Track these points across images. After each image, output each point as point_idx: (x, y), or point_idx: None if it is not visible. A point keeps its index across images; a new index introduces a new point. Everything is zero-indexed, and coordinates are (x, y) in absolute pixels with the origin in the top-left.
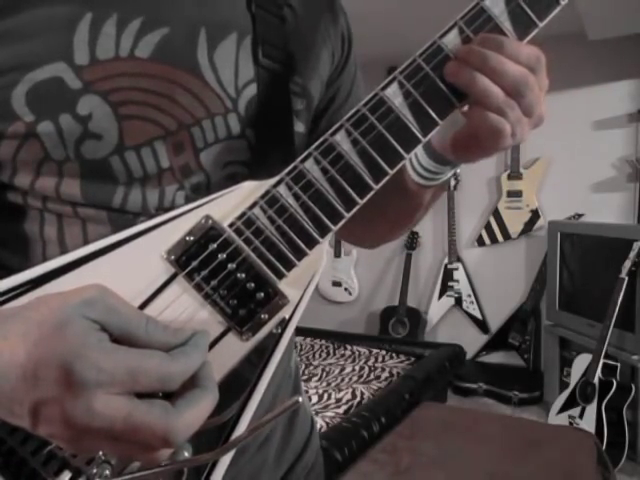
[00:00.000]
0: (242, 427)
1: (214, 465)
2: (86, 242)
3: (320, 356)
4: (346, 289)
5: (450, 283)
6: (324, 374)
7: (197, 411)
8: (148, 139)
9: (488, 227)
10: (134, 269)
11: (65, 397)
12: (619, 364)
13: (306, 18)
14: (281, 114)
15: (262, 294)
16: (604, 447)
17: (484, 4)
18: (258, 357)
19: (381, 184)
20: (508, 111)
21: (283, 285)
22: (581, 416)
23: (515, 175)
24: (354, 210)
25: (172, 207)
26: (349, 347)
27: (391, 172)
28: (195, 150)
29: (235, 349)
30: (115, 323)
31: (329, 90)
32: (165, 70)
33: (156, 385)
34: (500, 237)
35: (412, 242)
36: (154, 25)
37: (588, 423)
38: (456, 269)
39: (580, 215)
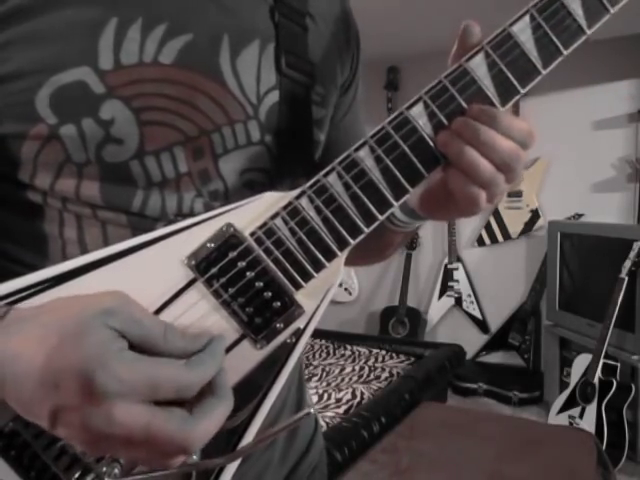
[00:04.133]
0: (252, 433)
1: (221, 470)
2: (106, 243)
3: (320, 356)
4: (346, 289)
5: (450, 283)
6: (324, 374)
7: (213, 419)
8: (168, 144)
9: (488, 227)
10: (154, 272)
11: (85, 406)
12: (619, 364)
13: (325, 29)
14: (302, 123)
15: (279, 303)
16: (604, 447)
17: (467, 65)
18: (271, 365)
19: (400, 201)
20: (493, 187)
21: (300, 296)
22: (581, 416)
23: None
24: (374, 226)
25: (190, 213)
26: (349, 347)
27: (411, 190)
28: (214, 156)
29: (249, 356)
30: (135, 332)
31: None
32: (188, 76)
33: (174, 394)
34: (500, 237)
35: (412, 242)
36: (178, 31)
37: (588, 423)
38: (456, 269)
39: (580, 215)
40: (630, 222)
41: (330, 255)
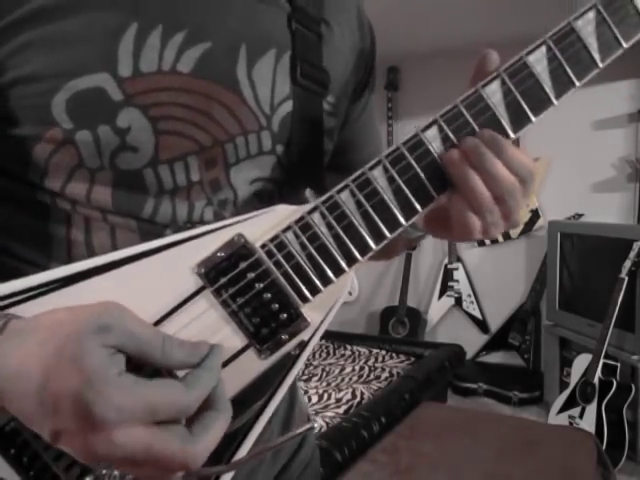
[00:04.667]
0: (251, 440)
1: (219, 476)
2: (114, 247)
3: (320, 356)
4: None
5: (450, 283)
6: (324, 374)
7: (213, 434)
8: (182, 154)
9: None
10: (163, 278)
11: (85, 431)
12: (619, 364)
13: (339, 33)
14: (313, 133)
15: (285, 315)
16: (604, 447)
17: (483, 92)
18: (274, 375)
19: (411, 221)
20: (487, 215)
21: (306, 309)
22: (581, 416)
23: None
24: (382, 244)
25: (201, 221)
26: (349, 347)
27: (421, 211)
28: (226, 166)
29: (252, 366)
30: (132, 347)
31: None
32: (205, 86)
33: (174, 415)
34: (500, 237)
35: None
36: (197, 39)
37: (588, 423)
38: (456, 269)
39: (580, 215)
40: (630, 222)
41: (339, 271)
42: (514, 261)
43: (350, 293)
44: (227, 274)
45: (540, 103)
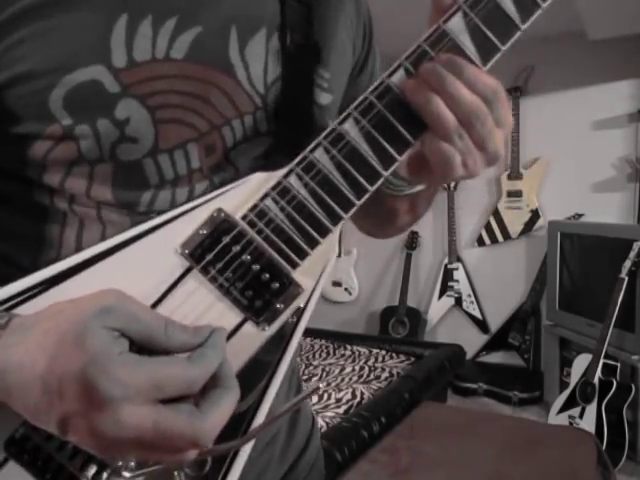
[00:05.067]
0: (262, 415)
1: (235, 454)
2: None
3: (320, 356)
4: (346, 289)
5: (450, 283)
6: (324, 374)
7: (221, 411)
8: (182, 142)
9: (488, 227)
10: (148, 265)
11: (91, 412)
12: (619, 364)
13: (330, 5)
14: (306, 109)
15: (277, 284)
16: (604, 447)
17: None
18: (275, 346)
19: (390, 171)
20: (456, 139)
21: (297, 274)
22: (581, 416)
23: (515, 175)
24: (364, 198)
25: None
26: (349, 347)
27: (400, 159)
28: (225, 149)
29: (252, 339)
30: (135, 329)
31: (349, 90)
32: (200, 71)
33: (180, 391)
34: (500, 237)
35: (412, 242)
36: (188, 24)
37: (588, 423)
38: (456, 269)
39: (580, 215)
40: (630, 222)
41: (324, 231)
42: (514, 261)
43: (350, 293)
44: (212, 250)
45: (506, 30)
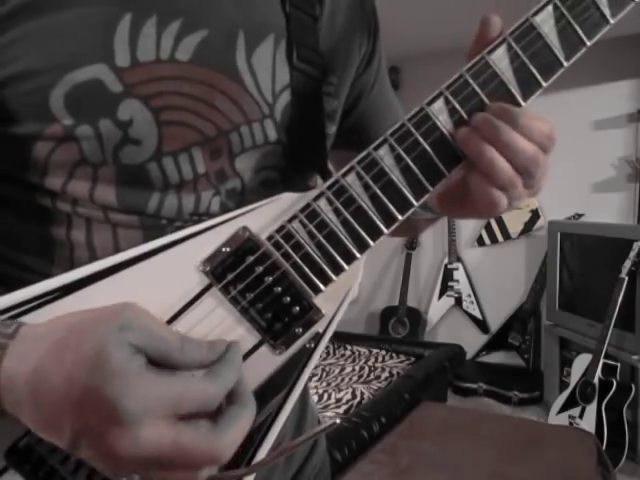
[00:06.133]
0: (271, 438)
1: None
2: (116, 245)
3: (320, 356)
4: None
5: (450, 283)
6: (324, 374)
7: (238, 428)
8: (186, 145)
9: (488, 227)
10: (168, 279)
11: (109, 430)
12: (619, 364)
13: (335, 12)
14: (314, 118)
15: (297, 308)
16: (604, 447)
17: (489, 58)
18: (290, 370)
19: (421, 202)
20: (511, 190)
21: (319, 300)
22: (581, 416)
23: None
24: (393, 226)
25: (207, 213)
26: (349, 347)
27: (432, 189)
28: (231, 155)
29: (268, 362)
30: (152, 346)
31: (354, 87)
32: (205, 74)
33: (197, 408)
34: (500, 237)
35: (412, 242)
36: (193, 27)
37: (588, 423)
38: (456, 269)
39: (580, 215)
40: (630, 222)
41: (350, 258)
42: (514, 261)
43: None
44: (234, 270)
45: (550, 66)
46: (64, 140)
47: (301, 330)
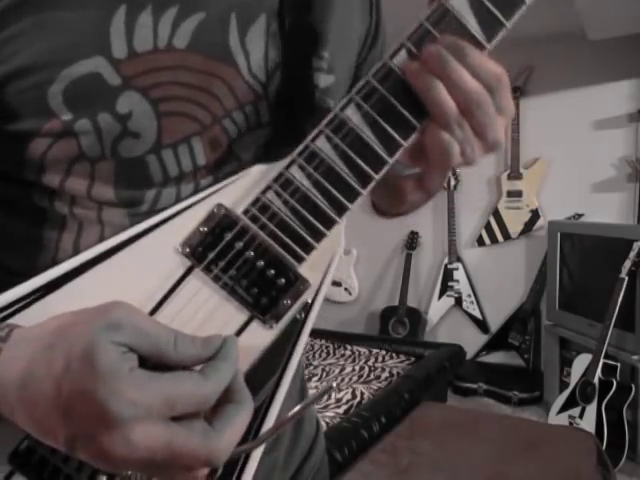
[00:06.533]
0: (273, 414)
1: (247, 457)
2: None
3: (320, 356)
4: (346, 289)
5: (450, 283)
6: (324, 374)
7: (235, 428)
8: (186, 136)
9: (488, 227)
10: (148, 266)
11: (101, 433)
12: (619, 364)
13: None
14: (306, 94)
15: (283, 280)
16: (604, 447)
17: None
18: (284, 343)
19: (395, 157)
20: (456, 129)
21: (303, 269)
22: (581, 416)
23: (515, 175)
24: (370, 186)
25: None
26: (349, 347)
27: (405, 144)
28: (230, 142)
29: (260, 338)
30: (143, 344)
31: (363, 68)
32: (202, 61)
33: (192, 408)
34: (500, 237)
35: (412, 242)
36: (190, 10)
37: (588, 423)
38: (456, 269)
39: (580, 215)
40: (630, 222)
41: (329, 223)
42: (514, 261)
43: (350, 293)
44: (214, 248)
45: (510, 5)
46: (62, 135)
47: (289, 302)
